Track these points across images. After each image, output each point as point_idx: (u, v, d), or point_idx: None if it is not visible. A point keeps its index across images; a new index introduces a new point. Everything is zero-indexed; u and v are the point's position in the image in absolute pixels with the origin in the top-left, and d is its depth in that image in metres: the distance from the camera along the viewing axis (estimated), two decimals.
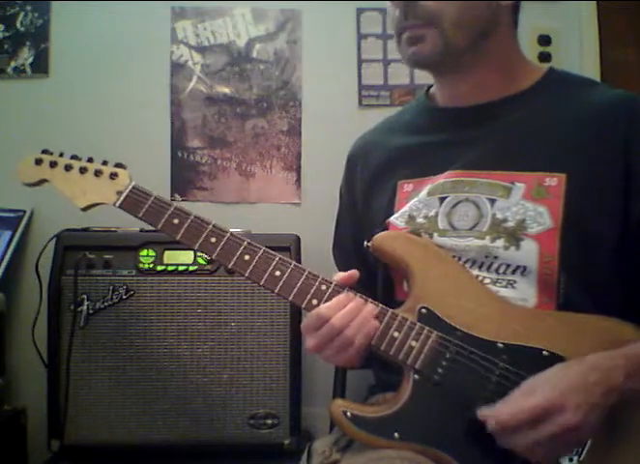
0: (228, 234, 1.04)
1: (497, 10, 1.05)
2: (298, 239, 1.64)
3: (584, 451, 0.88)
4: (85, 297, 1.56)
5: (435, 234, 1.05)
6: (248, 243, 1.03)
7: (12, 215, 1.82)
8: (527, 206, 1.00)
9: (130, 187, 1.08)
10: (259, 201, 1.94)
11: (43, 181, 1.13)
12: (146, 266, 1.58)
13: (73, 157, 1.12)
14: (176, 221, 1.05)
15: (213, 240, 1.04)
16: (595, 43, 1.91)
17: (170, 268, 1.58)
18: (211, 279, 1.58)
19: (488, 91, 1.08)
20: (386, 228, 1.11)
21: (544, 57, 1.92)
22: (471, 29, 1.03)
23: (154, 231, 1.11)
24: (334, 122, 1.93)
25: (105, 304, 1.56)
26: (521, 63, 1.12)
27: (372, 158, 1.21)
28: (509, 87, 1.09)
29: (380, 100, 1.94)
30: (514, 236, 0.99)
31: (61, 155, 1.12)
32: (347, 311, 0.97)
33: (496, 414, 0.87)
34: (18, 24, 1.90)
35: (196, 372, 1.56)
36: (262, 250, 1.03)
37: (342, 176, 1.30)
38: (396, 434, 0.91)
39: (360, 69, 1.94)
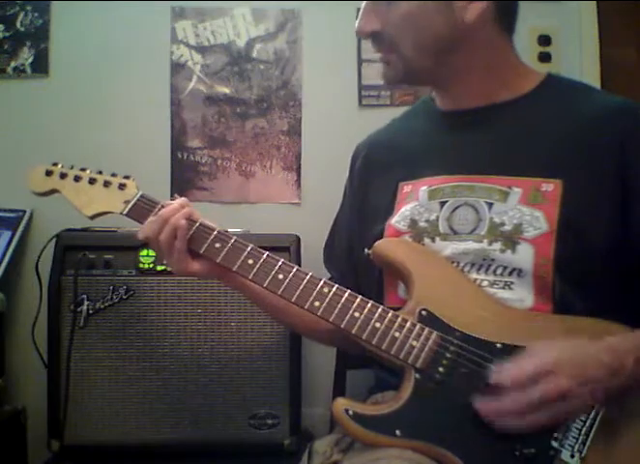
0: (233, 239, 1.07)
1: (461, 25, 1.04)
2: (298, 239, 1.64)
3: (585, 448, 0.89)
4: (85, 297, 1.56)
5: (437, 238, 1.07)
6: (252, 247, 1.06)
7: (12, 215, 1.81)
8: (523, 210, 1.01)
9: (138, 196, 1.12)
10: (259, 201, 1.94)
11: (53, 191, 1.18)
12: (146, 266, 1.58)
13: (83, 169, 1.17)
14: None
15: (217, 245, 1.08)
16: (594, 42, 1.91)
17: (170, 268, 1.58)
18: (211, 279, 1.58)
19: (484, 96, 1.10)
20: (384, 230, 1.12)
21: (544, 57, 1.92)
22: (430, 50, 1.06)
23: None
24: (334, 122, 1.93)
25: (105, 304, 1.56)
26: (517, 68, 1.12)
27: (375, 155, 1.23)
28: (507, 92, 1.10)
29: (380, 100, 1.94)
30: (511, 239, 1.01)
31: (71, 167, 1.17)
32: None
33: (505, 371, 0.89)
34: (18, 24, 1.90)
35: (196, 372, 1.56)
36: (266, 255, 1.05)
37: (347, 176, 1.31)
38: (398, 432, 0.92)
39: (360, 69, 1.94)
